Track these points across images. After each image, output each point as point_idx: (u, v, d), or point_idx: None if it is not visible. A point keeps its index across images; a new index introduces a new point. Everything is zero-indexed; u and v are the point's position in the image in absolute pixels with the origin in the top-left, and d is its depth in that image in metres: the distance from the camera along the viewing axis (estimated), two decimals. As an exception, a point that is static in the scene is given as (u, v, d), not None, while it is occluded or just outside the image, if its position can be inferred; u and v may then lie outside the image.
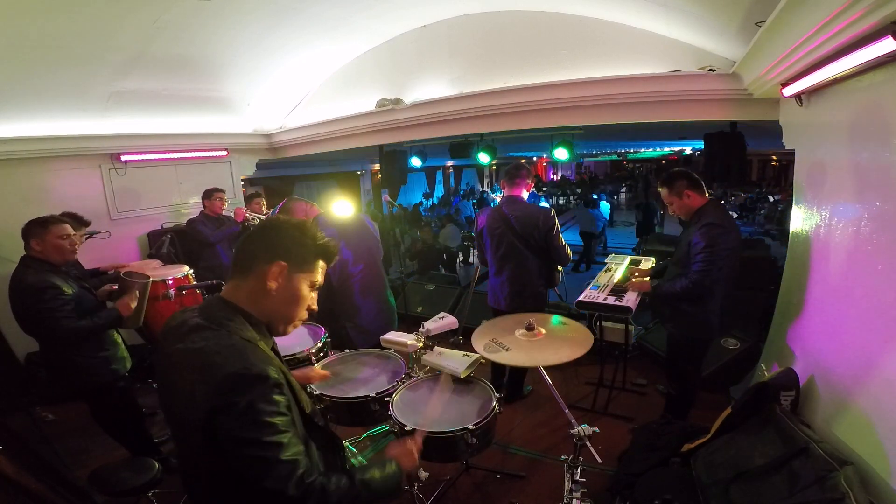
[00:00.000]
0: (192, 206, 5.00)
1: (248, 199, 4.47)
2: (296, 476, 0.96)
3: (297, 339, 2.65)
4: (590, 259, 8.87)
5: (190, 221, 4.21)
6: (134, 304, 2.53)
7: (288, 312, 1.14)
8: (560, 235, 3.06)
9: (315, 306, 1.18)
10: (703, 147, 3.73)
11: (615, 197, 18.02)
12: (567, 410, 1.84)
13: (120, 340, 2.63)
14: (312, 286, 1.16)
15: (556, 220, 3.04)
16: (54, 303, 2.23)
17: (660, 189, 2.73)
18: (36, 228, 2.33)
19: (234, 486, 1.00)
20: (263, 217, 4.35)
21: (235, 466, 0.96)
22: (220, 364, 0.95)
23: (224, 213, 4.34)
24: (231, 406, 0.92)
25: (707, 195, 2.63)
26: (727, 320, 2.65)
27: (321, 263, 1.16)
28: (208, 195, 4.27)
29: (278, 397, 0.98)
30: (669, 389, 2.97)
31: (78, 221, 2.90)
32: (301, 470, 0.97)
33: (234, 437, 0.93)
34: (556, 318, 2.25)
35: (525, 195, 3.16)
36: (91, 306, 2.46)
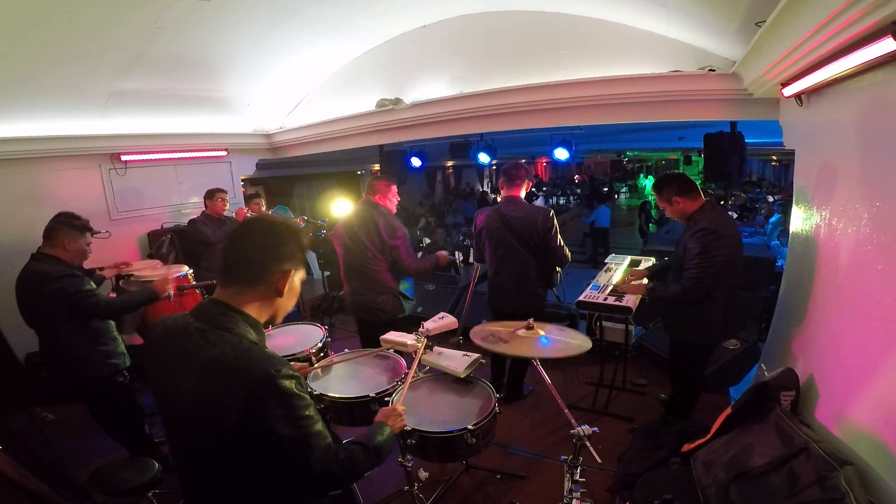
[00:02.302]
0: (193, 206, 5.00)
1: (248, 200, 4.48)
2: (332, 456, 1.09)
3: (297, 339, 2.66)
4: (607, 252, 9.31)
5: (191, 221, 4.21)
6: (170, 288, 2.64)
7: (287, 307, 1.22)
8: (559, 236, 3.05)
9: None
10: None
11: (616, 196, 18.05)
12: (567, 410, 1.84)
13: (118, 336, 2.65)
14: (302, 279, 1.25)
15: (556, 221, 3.03)
16: (79, 285, 2.36)
17: (653, 194, 2.74)
18: (73, 232, 2.46)
19: (262, 482, 1.05)
20: None
21: (279, 462, 1.02)
22: (246, 369, 0.99)
23: (225, 213, 4.34)
24: (272, 407, 0.98)
25: (703, 197, 2.61)
26: (732, 325, 2.63)
27: (305, 258, 1.25)
28: (210, 195, 4.26)
29: (302, 391, 1.05)
30: (673, 393, 2.96)
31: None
32: (334, 449, 1.10)
33: (281, 435, 0.99)
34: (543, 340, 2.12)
35: (523, 194, 3.15)
36: None
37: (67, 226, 2.46)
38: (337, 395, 2.10)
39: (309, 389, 2.11)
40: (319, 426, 1.07)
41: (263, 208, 4.73)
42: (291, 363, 2.44)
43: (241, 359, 1.00)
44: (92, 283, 2.50)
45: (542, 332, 2.09)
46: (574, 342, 2.04)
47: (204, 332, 1.05)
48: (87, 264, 3.24)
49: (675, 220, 2.80)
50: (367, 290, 3.08)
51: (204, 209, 4.29)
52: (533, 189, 17.01)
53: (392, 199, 3.14)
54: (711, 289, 2.43)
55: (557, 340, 2.10)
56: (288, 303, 1.21)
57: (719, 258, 2.38)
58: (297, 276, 1.21)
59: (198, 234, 4.12)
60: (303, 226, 4.86)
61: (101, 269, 3.27)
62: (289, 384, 1.01)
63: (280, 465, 1.03)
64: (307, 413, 1.04)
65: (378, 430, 1.39)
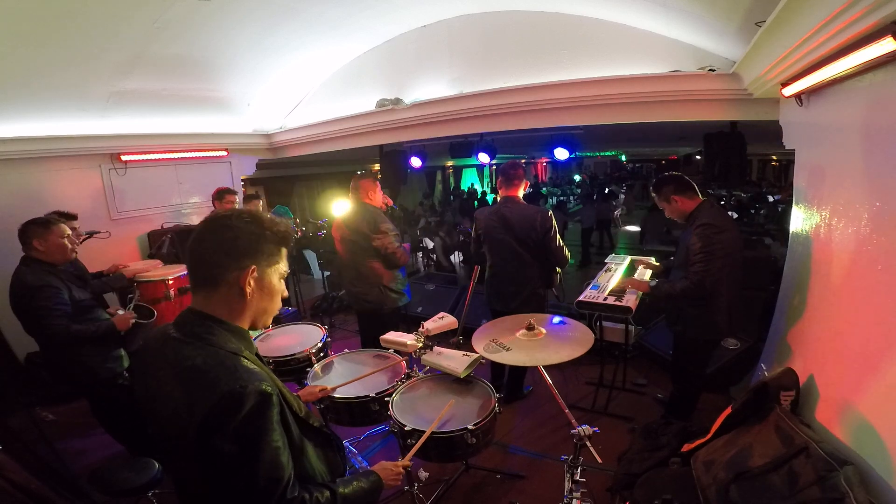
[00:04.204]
0: (193, 206, 5.00)
1: (247, 200, 4.44)
2: (278, 492, 0.97)
3: (297, 340, 2.66)
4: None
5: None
6: (132, 321, 2.54)
7: (266, 308, 1.12)
8: (558, 237, 3.05)
9: (286, 293, 1.18)
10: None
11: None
12: (567, 410, 1.84)
13: None
14: (282, 276, 1.14)
15: (554, 222, 3.03)
16: (50, 301, 2.27)
17: (652, 194, 2.76)
18: (38, 229, 2.37)
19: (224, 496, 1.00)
20: None
21: (223, 481, 0.96)
22: (213, 383, 0.94)
23: None
24: (224, 425, 0.92)
25: (701, 196, 2.62)
26: (736, 320, 2.64)
27: (284, 251, 1.13)
28: (219, 196, 4.10)
29: (271, 412, 0.98)
30: (673, 391, 2.96)
31: (66, 217, 2.92)
32: (284, 485, 0.98)
33: (224, 454, 0.93)
34: (556, 318, 2.25)
35: (521, 194, 3.16)
36: (88, 305, 2.49)
37: (32, 224, 2.38)
38: (337, 395, 2.10)
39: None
40: (274, 453, 0.97)
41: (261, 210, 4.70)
42: (293, 367, 2.42)
43: (210, 372, 0.96)
44: (67, 294, 2.36)
45: (543, 332, 2.08)
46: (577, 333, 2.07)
47: (181, 342, 1.02)
48: (86, 265, 3.26)
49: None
50: (358, 281, 3.35)
51: (213, 209, 4.24)
52: (531, 189, 16.99)
53: (378, 195, 3.37)
54: (716, 283, 2.44)
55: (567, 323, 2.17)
56: (263, 303, 1.10)
57: (722, 250, 2.40)
58: (271, 274, 1.09)
59: None
60: (298, 235, 4.84)
61: (103, 274, 3.23)
62: (255, 402, 0.94)
63: (226, 484, 0.97)
64: (262, 437, 0.96)
65: (361, 477, 1.26)
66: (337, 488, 1.13)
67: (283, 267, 1.13)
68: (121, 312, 2.57)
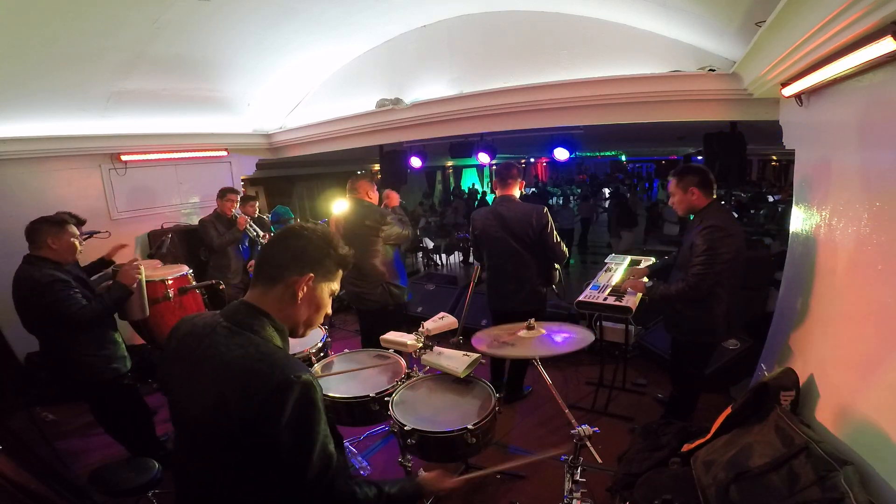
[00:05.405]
0: (193, 206, 5.00)
1: (244, 201, 4.44)
2: (327, 480, 1.02)
3: (296, 339, 2.65)
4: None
5: (202, 221, 4.19)
6: (138, 275, 2.57)
7: (310, 318, 1.19)
8: (554, 233, 3.06)
9: (330, 311, 1.24)
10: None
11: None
12: (567, 410, 1.84)
13: (120, 339, 2.63)
14: (332, 294, 1.21)
15: (550, 218, 3.04)
16: (64, 293, 2.29)
17: (669, 178, 2.69)
18: (52, 227, 2.39)
19: (258, 489, 1.02)
20: (258, 230, 4.35)
21: (273, 470, 0.99)
22: (267, 372, 0.98)
23: (234, 213, 4.32)
24: (280, 414, 0.95)
25: (713, 197, 2.60)
26: (734, 322, 2.62)
27: (340, 273, 1.22)
28: (221, 195, 4.23)
29: (320, 401, 1.02)
30: (673, 392, 2.95)
31: (77, 220, 2.92)
32: (332, 472, 1.03)
33: (284, 442, 0.96)
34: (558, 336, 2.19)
35: (517, 194, 3.17)
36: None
37: (46, 223, 2.39)
38: (337, 395, 2.10)
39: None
40: (328, 441, 1.03)
41: (257, 212, 4.69)
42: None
43: (263, 361, 1.00)
44: (77, 287, 2.38)
45: (543, 331, 2.08)
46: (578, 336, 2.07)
47: (230, 332, 1.06)
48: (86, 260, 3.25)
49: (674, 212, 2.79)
50: (359, 280, 3.34)
51: (216, 207, 4.27)
52: (533, 190, 17.01)
53: (376, 194, 3.47)
54: (716, 286, 2.42)
55: (567, 337, 2.14)
56: (309, 312, 1.17)
57: (726, 255, 2.37)
58: (323, 288, 1.17)
59: (204, 235, 4.12)
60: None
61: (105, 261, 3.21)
62: (306, 392, 0.99)
63: (276, 473, 1.00)
64: (318, 426, 1.01)
65: (408, 482, 1.29)
66: (384, 486, 1.18)
67: (334, 285, 1.21)
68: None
